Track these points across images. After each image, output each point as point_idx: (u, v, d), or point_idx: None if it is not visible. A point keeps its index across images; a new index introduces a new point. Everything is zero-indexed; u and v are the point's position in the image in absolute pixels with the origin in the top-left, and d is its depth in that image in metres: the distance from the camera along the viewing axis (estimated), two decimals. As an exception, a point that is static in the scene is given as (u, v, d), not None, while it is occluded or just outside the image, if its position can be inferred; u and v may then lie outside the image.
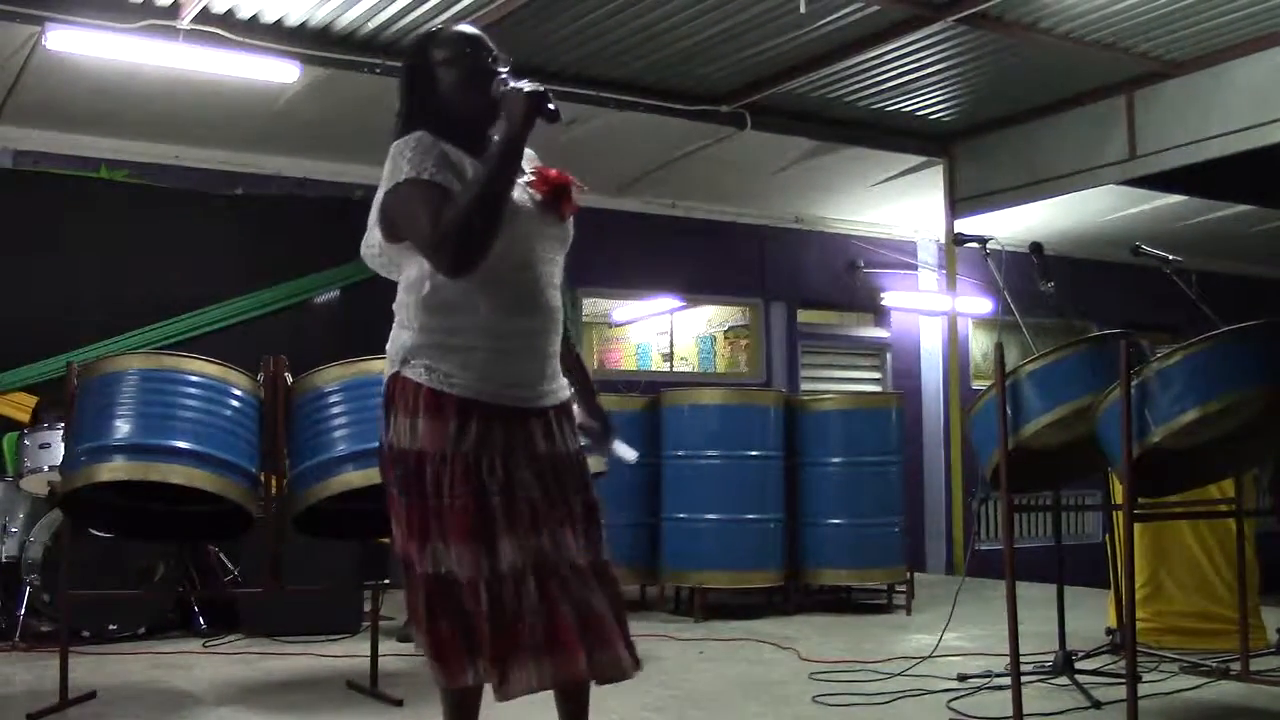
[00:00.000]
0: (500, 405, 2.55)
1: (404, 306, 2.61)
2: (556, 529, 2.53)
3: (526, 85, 2.51)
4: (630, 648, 2.56)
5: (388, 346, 2.63)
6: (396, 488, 2.56)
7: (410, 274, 2.60)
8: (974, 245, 4.92)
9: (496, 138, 2.60)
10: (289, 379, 4.56)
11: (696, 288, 10.56)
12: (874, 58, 7.75)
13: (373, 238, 2.66)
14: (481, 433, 2.52)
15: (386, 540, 3.24)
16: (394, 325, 2.65)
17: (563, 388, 2.70)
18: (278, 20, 6.94)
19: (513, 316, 2.57)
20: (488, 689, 2.54)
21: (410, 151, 2.53)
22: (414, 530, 2.53)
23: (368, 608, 5.20)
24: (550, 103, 2.50)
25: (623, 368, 12.27)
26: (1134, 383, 3.53)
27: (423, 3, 6.72)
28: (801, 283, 10.91)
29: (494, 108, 2.58)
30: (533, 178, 2.67)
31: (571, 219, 2.72)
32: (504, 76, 2.61)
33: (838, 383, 10.99)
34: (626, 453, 2.98)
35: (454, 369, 2.53)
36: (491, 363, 2.55)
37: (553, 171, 2.68)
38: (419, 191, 2.49)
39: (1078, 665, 4.59)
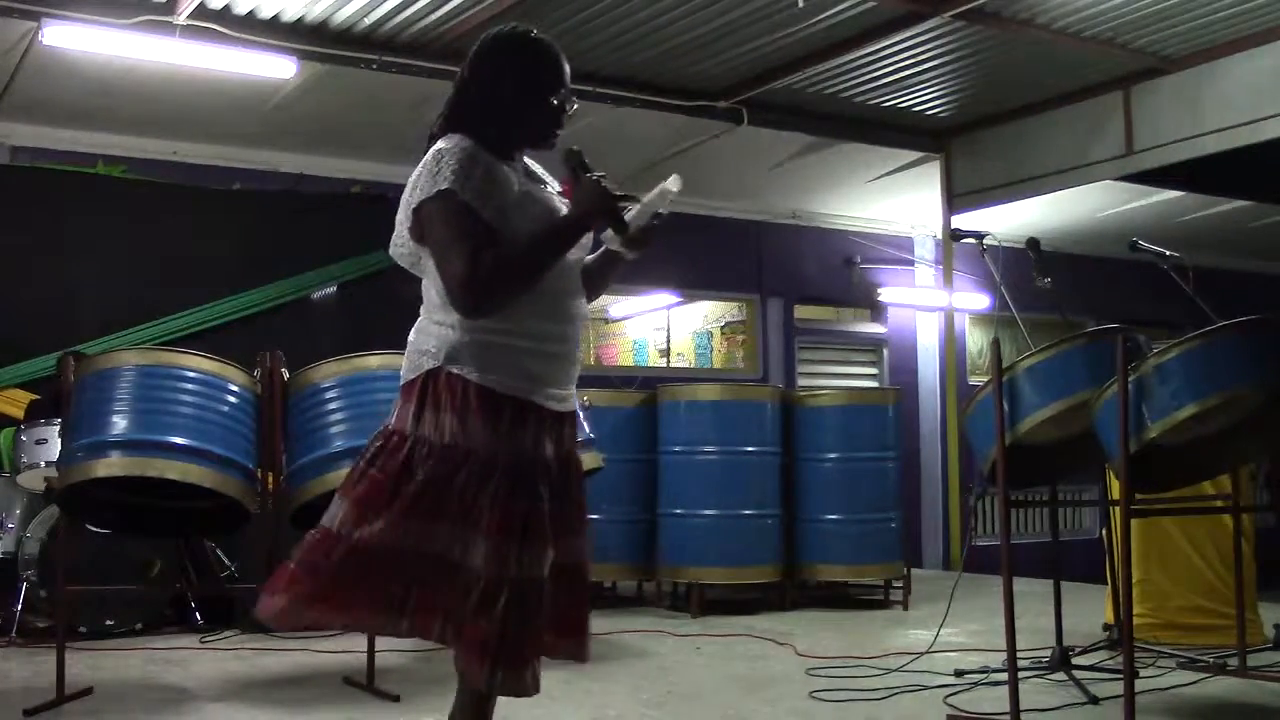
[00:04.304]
0: (543, 407, 2.57)
1: (444, 307, 2.56)
2: (566, 534, 2.60)
3: (615, 188, 2.59)
4: (588, 637, 2.71)
5: (417, 339, 2.59)
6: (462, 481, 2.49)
7: None
8: (971, 241, 4.92)
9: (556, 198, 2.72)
10: (286, 375, 4.57)
11: (693, 284, 10.55)
12: (871, 53, 7.74)
13: (401, 235, 2.64)
14: (534, 434, 2.55)
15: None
16: (425, 320, 2.61)
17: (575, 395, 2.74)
18: (274, 16, 6.92)
19: (551, 322, 2.60)
20: None
21: (455, 162, 2.52)
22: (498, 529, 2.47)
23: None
24: (625, 221, 2.62)
25: (620, 363, 12.28)
26: (1131, 378, 3.53)
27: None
28: (798, 278, 10.90)
29: (545, 141, 2.73)
30: (562, 190, 2.73)
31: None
32: (578, 149, 2.68)
33: (834, 378, 10.98)
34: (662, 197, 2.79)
35: (505, 370, 2.52)
36: (536, 366, 2.56)
37: None
38: (457, 216, 2.49)
39: (1075, 661, 4.60)
